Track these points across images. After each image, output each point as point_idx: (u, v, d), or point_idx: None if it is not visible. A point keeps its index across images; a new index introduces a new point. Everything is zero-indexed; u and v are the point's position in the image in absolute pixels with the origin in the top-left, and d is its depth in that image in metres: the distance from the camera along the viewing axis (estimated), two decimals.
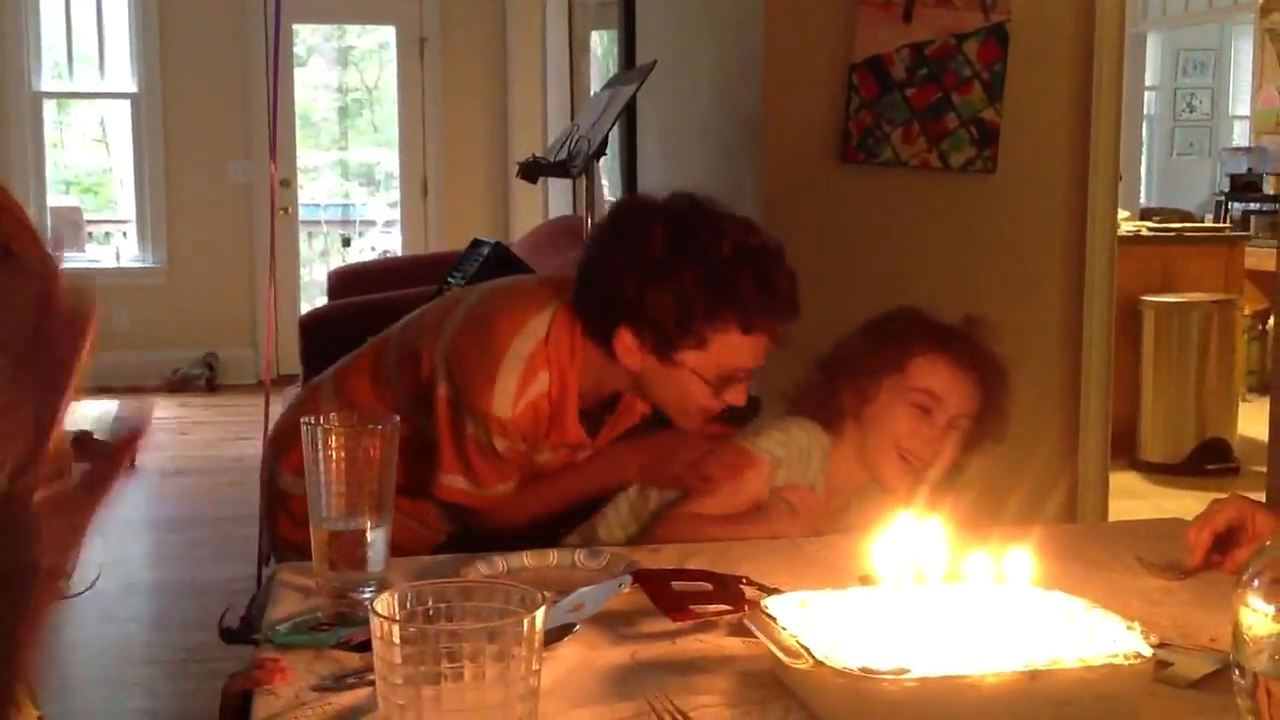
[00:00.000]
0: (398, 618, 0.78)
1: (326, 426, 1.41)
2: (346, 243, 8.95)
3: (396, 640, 0.76)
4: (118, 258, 7.94)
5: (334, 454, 1.40)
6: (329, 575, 1.41)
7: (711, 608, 1.34)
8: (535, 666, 0.78)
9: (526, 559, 1.56)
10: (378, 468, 1.41)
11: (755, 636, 1.17)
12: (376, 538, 1.41)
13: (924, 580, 1.19)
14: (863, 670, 1.01)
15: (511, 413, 1.78)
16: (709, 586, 1.39)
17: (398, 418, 1.45)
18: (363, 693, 1.10)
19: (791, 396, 1.97)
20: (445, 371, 1.83)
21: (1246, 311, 6.56)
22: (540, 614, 0.78)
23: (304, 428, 1.42)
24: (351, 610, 1.33)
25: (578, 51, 6.65)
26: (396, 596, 0.79)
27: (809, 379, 1.96)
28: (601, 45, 6.18)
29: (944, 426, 1.85)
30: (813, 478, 1.87)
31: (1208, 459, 5.74)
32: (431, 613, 0.79)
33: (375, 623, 0.77)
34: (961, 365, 1.88)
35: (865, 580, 1.33)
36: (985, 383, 1.90)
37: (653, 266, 1.77)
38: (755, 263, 1.79)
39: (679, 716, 1.04)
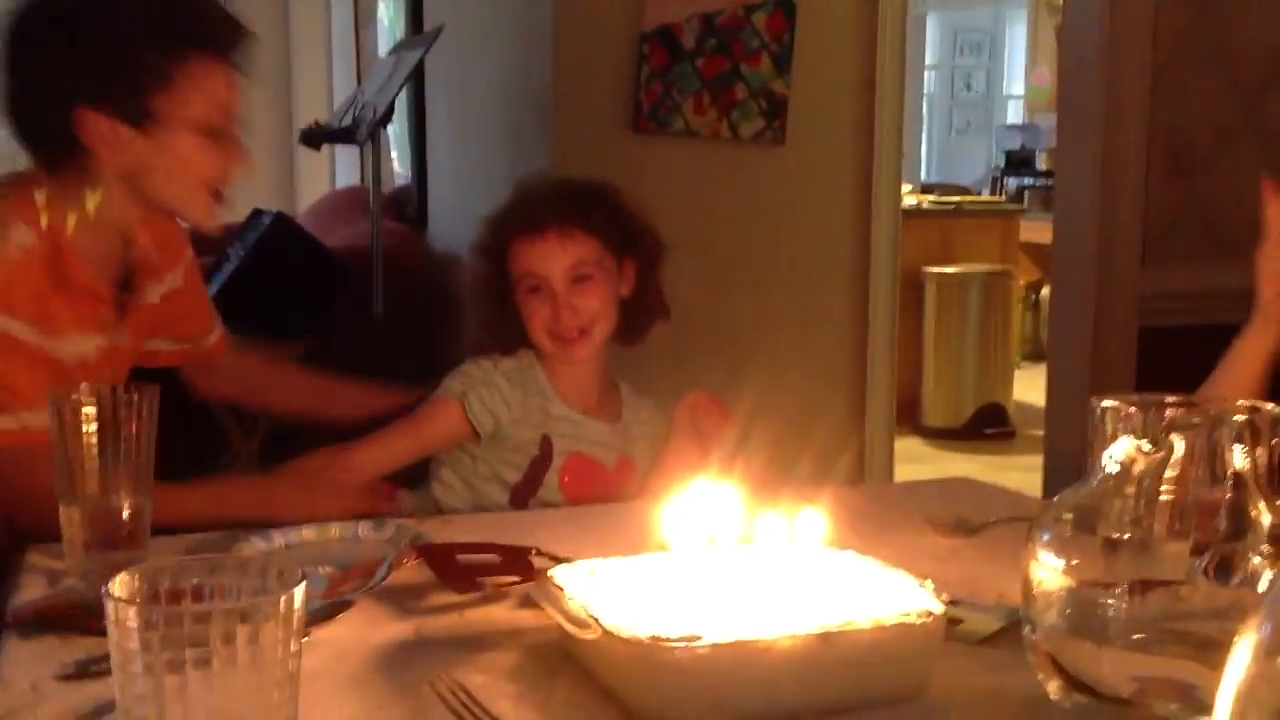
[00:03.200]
0: (135, 600, 0.70)
1: (77, 397, 1.30)
2: None
3: (133, 624, 0.68)
4: None
5: (85, 425, 1.29)
6: (82, 557, 1.30)
7: (498, 579, 1.29)
8: (294, 648, 0.70)
9: (306, 532, 1.48)
10: (135, 441, 1.30)
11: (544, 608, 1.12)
12: (135, 515, 1.31)
13: (716, 544, 1.15)
14: (652, 639, 0.97)
15: None
16: (497, 558, 1.33)
17: (158, 385, 1.35)
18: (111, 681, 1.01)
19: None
20: None
21: (1021, 282, 6.82)
22: (300, 591, 0.71)
23: (50, 398, 1.30)
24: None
25: (363, 20, 6.47)
26: (136, 576, 0.71)
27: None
28: (389, 16, 6.02)
29: (566, 288, 1.83)
30: (523, 392, 1.85)
31: (986, 423, 5.95)
32: (175, 593, 0.71)
33: (110, 606, 0.69)
34: (533, 234, 1.84)
35: (660, 548, 1.29)
36: (576, 226, 1.84)
37: (74, 21, 1.58)
38: None
39: (461, 695, 0.98)
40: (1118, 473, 1.00)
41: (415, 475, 1.91)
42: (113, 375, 1.72)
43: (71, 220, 1.65)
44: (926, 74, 10.97)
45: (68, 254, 1.65)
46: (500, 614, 1.24)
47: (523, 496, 1.84)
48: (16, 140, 1.67)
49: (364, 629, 1.18)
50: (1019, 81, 10.75)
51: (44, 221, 1.63)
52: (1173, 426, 0.97)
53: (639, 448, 1.93)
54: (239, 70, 1.68)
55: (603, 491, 1.86)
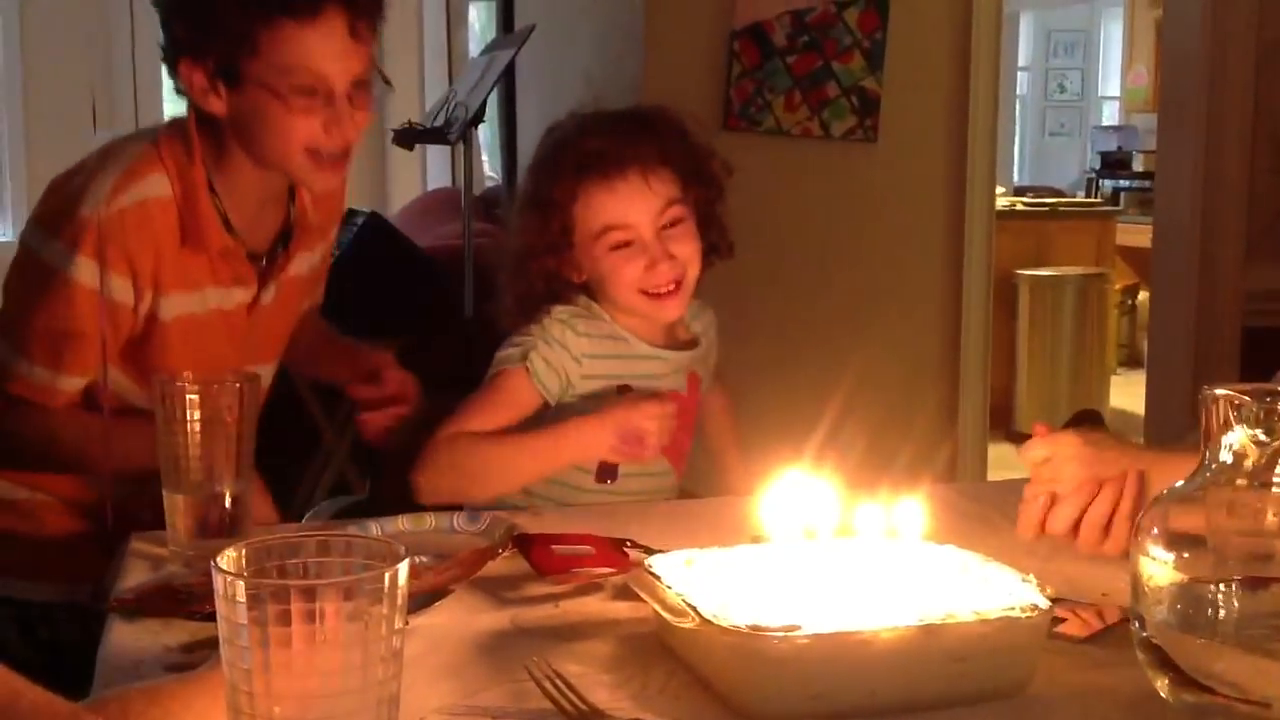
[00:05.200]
0: (244, 573, 0.70)
1: (181, 384, 1.32)
2: None
3: (241, 598, 0.68)
4: None
5: (190, 413, 1.31)
6: (184, 543, 1.32)
7: (593, 569, 1.29)
8: (398, 625, 0.71)
9: (402, 523, 1.49)
10: (237, 428, 1.32)
11: (640, 599, 1.11)
12: (237, 502, 1.33)
13: (814, 536, 1.14)
14: (752, 628, 0.96)
15: (106, 210, 1.55)
16: (592, 549, 1.33)
17: (259, 374, 1.37)
18: None
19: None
20: (29, 224, 1.62)
21: (1117, 287, 6.68)
22: (404, 568, 0.71)
23: (156, 384, 1.32)
24: (208, 578, 1.24)
25: (455, 21, 6.53)
26: (244, 551, 0.72)
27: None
28: (480, 21, 6.07)
29: (659, 242, 1.64)
30: (594, 339, 1.69)
31: (1080, 430, 5.82)
32: (282, 569, 0.72)
33: (218, 579, 0.70)
34: (612, 177, 1.64)
35: (755, 540, 1.28)
36: (657, 160, 1.65)
37: None
38: None
39: (558, 681, 0.98)
40: (1229, 465, 0.97)
41: None
42: (252, 330, 1.72)
43: (216, 173, 1.65)
44: (1020, 76, 10.82)
45: (204, 208, 1.63)
46: (595, 605, 1.24)
47: (612, 463, 1.69)
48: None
49: (461, 618, 1.19)
50: (1115, 82, 10.57)
51: (184, 173, 1.62)
52: None
53: (703, 354, 1.79)
54: (344, 23, 1.61)
55: (686, 423, 1.74)
